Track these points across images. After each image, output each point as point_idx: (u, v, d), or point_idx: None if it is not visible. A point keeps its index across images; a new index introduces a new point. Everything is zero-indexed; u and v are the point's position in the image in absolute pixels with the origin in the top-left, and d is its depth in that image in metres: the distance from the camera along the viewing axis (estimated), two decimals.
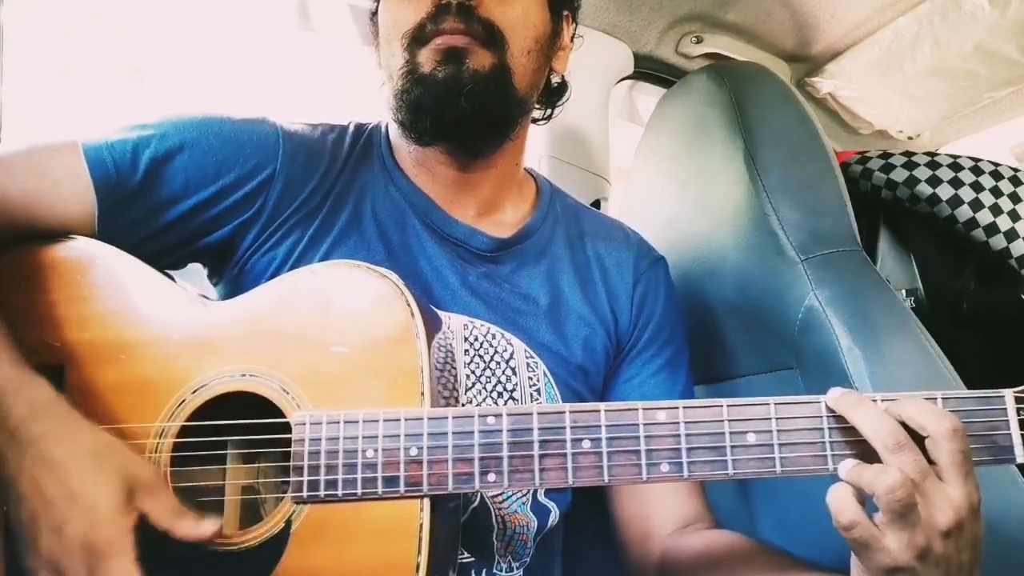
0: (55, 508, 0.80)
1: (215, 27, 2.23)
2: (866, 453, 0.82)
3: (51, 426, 0.83)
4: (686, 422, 0.86)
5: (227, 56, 2.28)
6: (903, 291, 1.90)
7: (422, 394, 0.90)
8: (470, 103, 1.11)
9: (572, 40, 1.32)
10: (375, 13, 1.23)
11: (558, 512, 1.18)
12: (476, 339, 1.15)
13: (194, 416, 0.93)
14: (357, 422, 0.88)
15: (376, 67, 1.25)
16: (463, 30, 1.10)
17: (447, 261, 1.19)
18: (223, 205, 1.12)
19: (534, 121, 1.31)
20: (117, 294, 0.99)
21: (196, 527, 0.84)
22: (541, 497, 1.17)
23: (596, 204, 1.98)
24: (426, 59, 1.12)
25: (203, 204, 1.11)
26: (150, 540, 0.89)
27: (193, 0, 2.15)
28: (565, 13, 1.28)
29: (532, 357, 1.17)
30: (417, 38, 1.12)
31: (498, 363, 1.15)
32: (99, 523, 0.79)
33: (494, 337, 1.16)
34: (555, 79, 1.32)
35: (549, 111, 1.34)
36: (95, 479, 0.81)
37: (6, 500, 0.84)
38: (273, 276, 1.11)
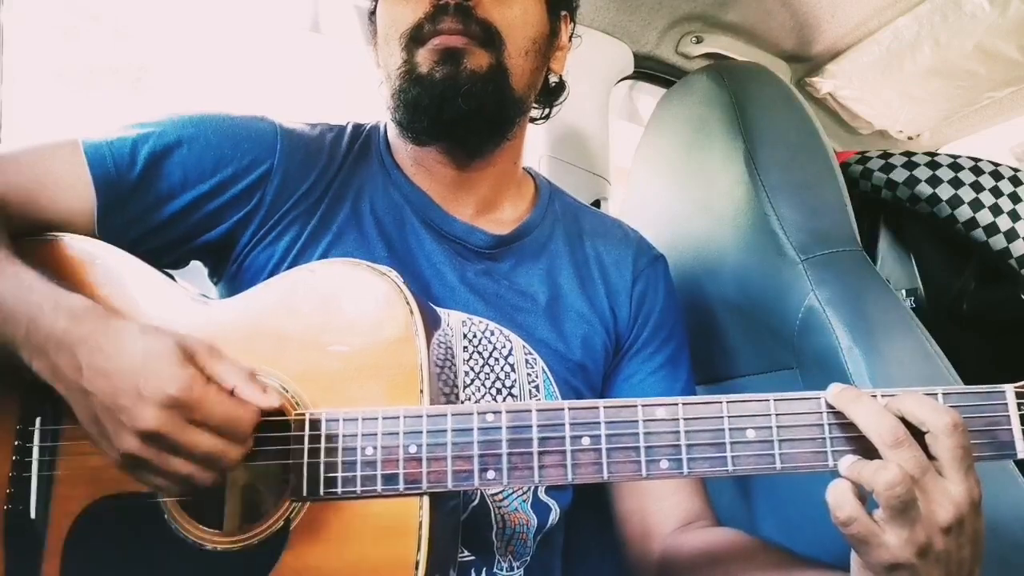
0: (126, 383, 0.81)
1: (215, 28, 2.23)
2: (867, 449, 0.82)
3: (96, 323, 0.85)
4: (685, 418, 0.86)
5: (227, 56, 2.28)
6: (903, 291, 1.90)
7: (421, 392, 0.90)
8: (467, 103, 1.11)
9: (570, 40, 1.32)
10: (373, 13, 1.23)
11: (558, 511, 1.18)
12: (475, 336, 1.15)
13: None
14: (356, 420, 0.88)
15: (375, 66, 1.25)
16: (461, 30, 1.11)
17: (445, 258, 1.20)
18: (221, 200, 1.13)
19: (532, 120, 1.32)
20: (117, 293, 0.99)
21: (259, 393, 0.85)
22: (541, 495, 1.17)
23: (596, 204, 1.98)
24: (424, 59, 1.12)
25: (201, 198, 1.11)
26: (151, 539, 0.90)
27: (192, 1, 2.15)
28: (563, 13, 1.29)
29: (531, 354, 1.17)
30: (415, 38, 1.13)
31: (497, 360, 1.15)
32: (170, 377, 0.80)
33: (493, 334, 1.16)
34: (553, 79, 1.32)
35: (547, 111, 1.35)
36: (151, 345, 0.83)
37: (75, 411, 0.86)
38: (272, 273, 1.11)
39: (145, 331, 0.85)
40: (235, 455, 0.83)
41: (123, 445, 0.82)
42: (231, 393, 0.84)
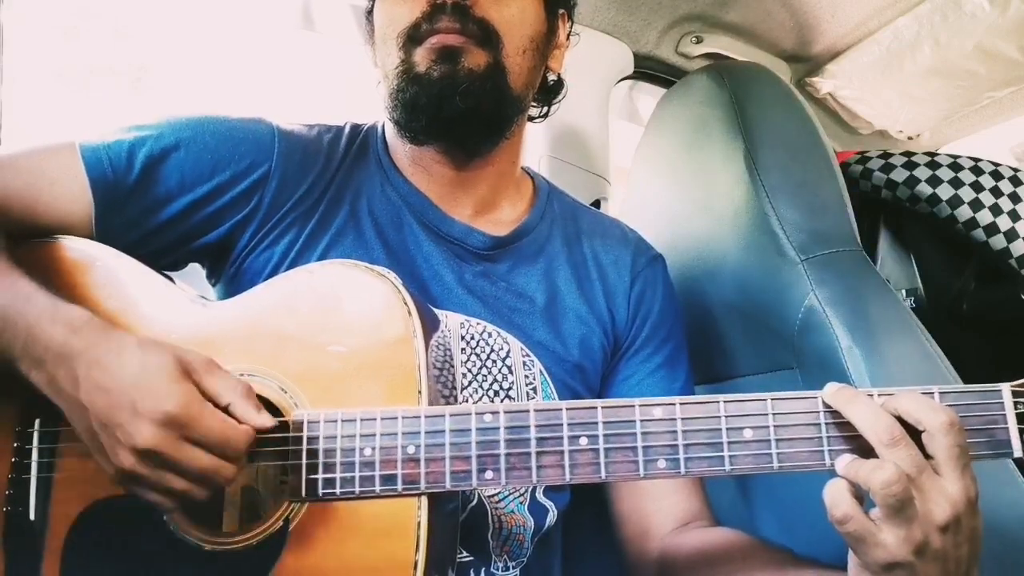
0: (123, 399, 0.81)
1: (215, 28, 2.23)
2: (864, 448, 0.82)
3: (94, 336, 0.86)
4: (683, 418, 0.86)
5: (227, 57, 2.28)
6: (903, 291, 1.90)
7: (420, 392, 0.90)
8: (465, 102, 1.11)
9: (568, 39, 1.32)
10: (370, 12, 1.23)
11: (556, 512, 1.18)
12: (472, 337, 1.15)
13: None
14: (355, 420, 0.88)
15: (372, 66, 1.26)
16: (458, 29, 1.11)
17: (443, 259, 1.20)
18: (219, 203, 1.13)
19: (531, 119, 1.32)
20: (116, 295, 0.99)
21: (254, 411, 0.85)
22: (539, 496, 1.17)
23: (596, 204, 1.98)
24: (421, 58, 1.12)
25: (199, 201, 1.12)
26: (150, 540, 0.90)
27: (192, 1, 2.15)
28: (561, 12, 1.28)
29: (528, 356, 1.17)
30: (412, 37, 1.13)
31: (494, 361, 1.15)
32: (167, 394, 0.81)
33: (490, 335, 1.16)
34: (551, 77, 1.32)
35: (546, 109, 1.34)
36: (149, 361, 0.83)
37: (72, 422, 0.87)
38: (270, 275, 1.11)
39: (143, 345, 0.85)
40: (229, 473, 0.84)
41: (119, 461, 0.82)
42: (227, 409, 0.84)
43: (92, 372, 0.83)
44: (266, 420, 0.86)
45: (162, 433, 0.80)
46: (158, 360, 0.83)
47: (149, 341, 0.87)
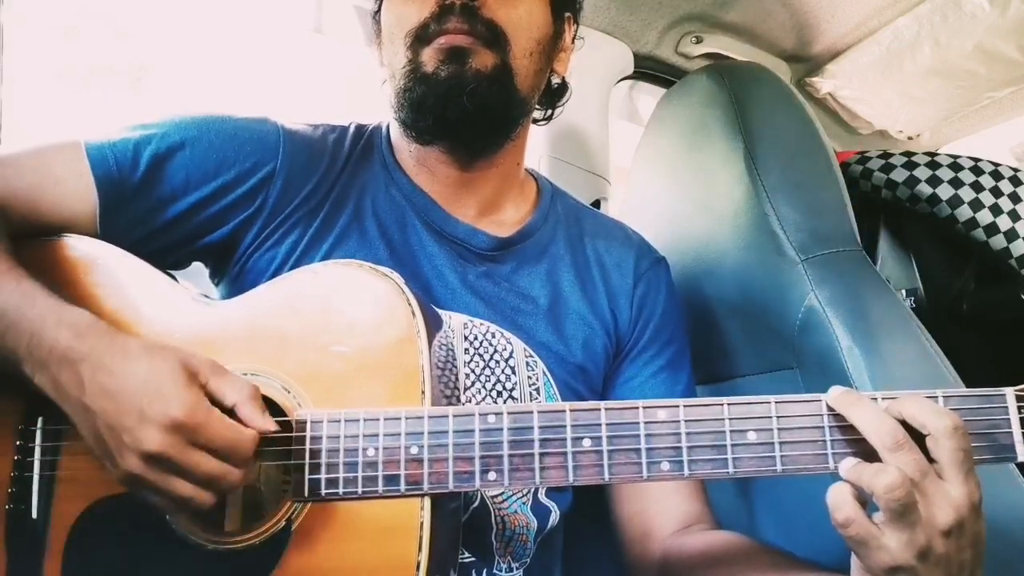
0: (129, 404, 0.82)
1: (215, 28, 2.23)
2: (868, 452, 0.82)
3: (99, 340, 0.86)
4: (686, 420, 0.87)
5: (227, 57, 2.28)
6: (903, 291, 1.90)
7: (423, 393, 0.90)
8: (472, 102, 1.11)
9: (573, 42, 1.32)
10: (378, 12, 1.23)
11: (558, 513, 1.18)
12: (476, 338, 1.15)
13: None
14: (358, 421, 0.88)
15: (377, 66, 1.26)
16: (467, 30, 1.11)
17: (447, 260, 1.20)
18: (223, 202, 1.13)
19: (535, 122, 1.32)
20: (118, 294, 0.99)
21: (259, 415, 0.86)
22: (542, 497, 1.17)
23: (596, 204, 1.98)
24: (429, 58, 1.12)
25: (204, 201, 1.12)
26: (153, 539, 0.90)
27: (193, 2, 2.15)
28: (567, 15, 1.28)
29: (531, 356, 1.17)
30: (420, 37, 1.13)
31: (497, 362, 1.15)
32: (174, 399, 0.81)
33: (493, 336, 1.16)
34: (555, 80, 1.32)
35: (549, 112, 1.35)
36: (155, 365, 0.83)
37: (77, 425, 0.87)
38: (274, 275, 1.11)
39: (149, 349, 0.86)
40: (235, 478, 0.84)
41: (126, 465, 0.82)
42: (232, 411, 0.85)
43: (97, 376, 0.84)
44: (271, 424, 0.86)
45: (169, 438, 0.81)
46: (164, 364, 0.83)
47: (154, 345, 0.87)
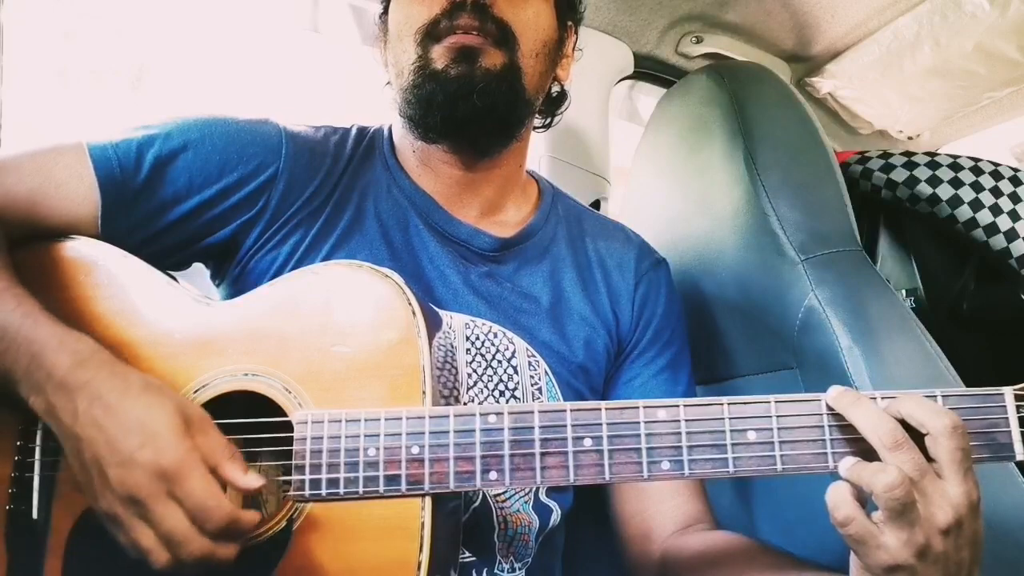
0: (120, 442, 0.81)
1: (214, 28, 2.23)
2: (867, 451, 0.82)
3: (99, 370, 0.85)
4: (687, 420, 0.87)
5: (227, 57, 2.28)
6: (903, 291, 1.90)
7: (424, 393, 0.90)
8: (482, 101, 1.12)
9: (573, 51, 1.34)
10: (384, 12, 1.24)
11: (560, 512, 1.18)
12: (478, 338, 1.15)
13: None
14: (359, 421, 0.88)
15: (382, 66, 1.26)
16: (477, 28, 1.12)
17: (449, 261, 1.20)
18: (226, 204, 1.13)
19: (533, 128, 1.32)
20: (119, 294, 0.99)
21: (242, 474, 0.84)
22: (543, 497, 1.17)
23: (596, 204, 1.98)
24: (439, 56, 1.13)
25: (206, 203, 1.12)
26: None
27: (192, 2, 2.15)
28: (569, 23, 1.29)
29: (533, 356, 1.17)
30: (431, 34, 1.13)
31: (500, 362, 1.15)
32: (167, 447, 0.80)
33: (496, 336, 1.16)
34: (555, 89, 1.33)
35: (548, 120, 1.35)
36: (153, 409, 0.82)
37: (65, 450, 0.86)
38: (275, 275, 1.11)
39: (148, 388, 0.85)
40: (196, 548, 0.80)
41: (102, 499, 0.82)
42: (214, 470, 0.83)
43: (93, 407, 0.83)
44: (253, 481, 0.83)
45: (151, 485, 0.79)
46: (162, 409, 0.82)
47: (154, 384, 0.86)
